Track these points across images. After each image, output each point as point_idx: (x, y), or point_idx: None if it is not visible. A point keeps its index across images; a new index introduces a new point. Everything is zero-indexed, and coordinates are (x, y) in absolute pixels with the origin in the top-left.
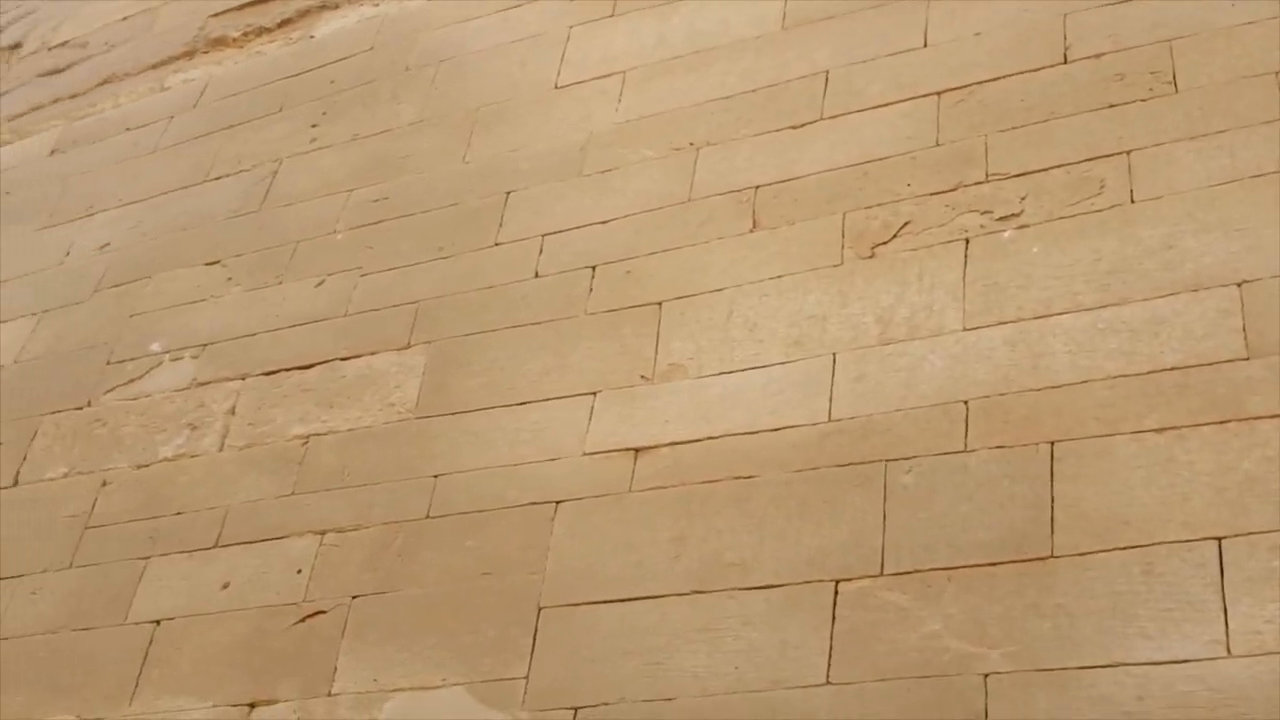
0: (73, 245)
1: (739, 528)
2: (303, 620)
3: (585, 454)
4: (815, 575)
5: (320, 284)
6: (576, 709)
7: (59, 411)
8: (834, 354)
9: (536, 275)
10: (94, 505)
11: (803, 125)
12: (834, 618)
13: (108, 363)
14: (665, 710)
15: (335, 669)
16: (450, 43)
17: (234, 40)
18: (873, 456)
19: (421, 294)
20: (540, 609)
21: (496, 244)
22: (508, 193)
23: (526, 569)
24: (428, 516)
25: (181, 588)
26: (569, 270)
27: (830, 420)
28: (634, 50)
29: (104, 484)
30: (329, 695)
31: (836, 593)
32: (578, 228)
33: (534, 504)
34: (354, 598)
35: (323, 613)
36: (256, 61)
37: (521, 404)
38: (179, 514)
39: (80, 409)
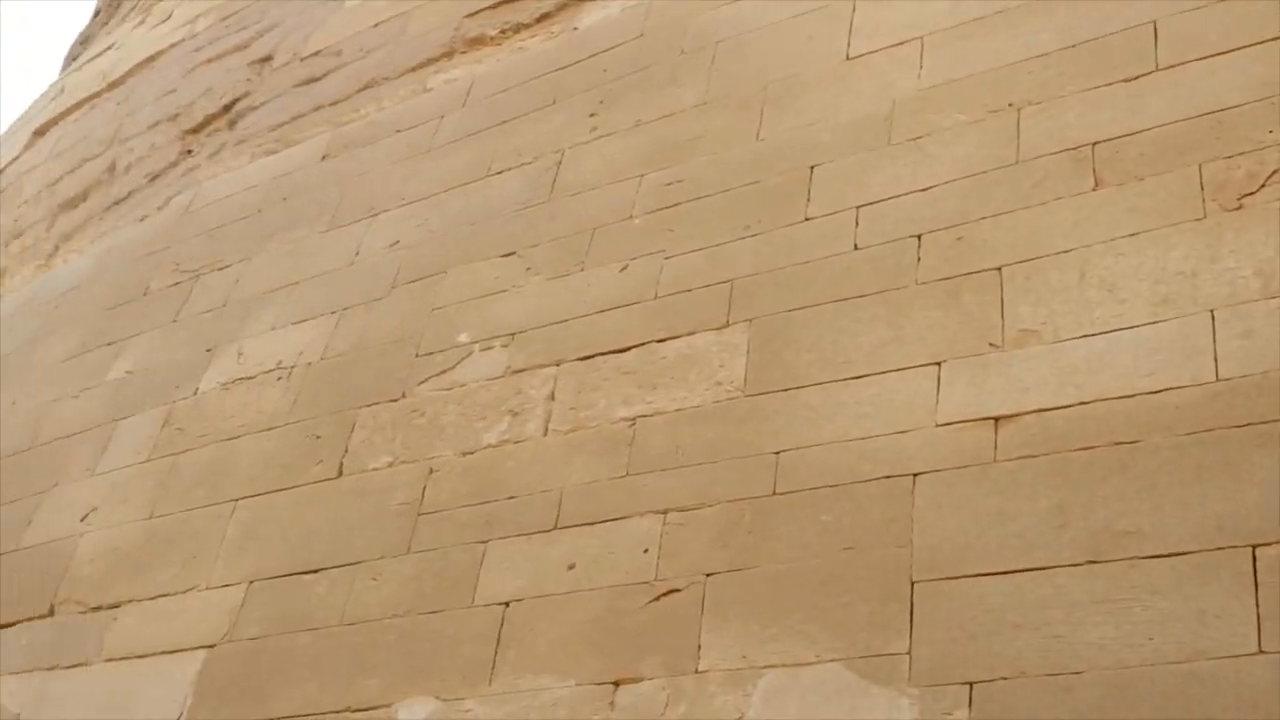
0: (361, 245)
1: (1128, 494)
2: (657, 599)
3: (939, 425)
4: (1228, 541)
5: (624, 269)
6: (971, 684)
7: (375, 404)
8: (1211, 311)
9: (856, 247)
10: (423, 493)
11: (1136, 78)
12: (1257, 584)
13: (416, 355)
14: (1074, 684)
15: (699, 646)
16: (725, 23)
17: (492, 39)
18: (1273, 415)
19: (733, 273)
20: (914, 583)
21: (807, 219)
22: (811, 167)
23: (892, 542)
24: (774, 493)
25: (526, 570)
26: (892, 240)
27: (1219, 380)
28: (928, 17)
29: (431, 472)
30: (696, 672)
31: (1254, 558)
32: (895, 197)
33: (889, 477)
34: (708, 575)
35: (677, 591)
36: (520, 57)
37: (858, 377)
38: (512, 498)
39: (396, 401)
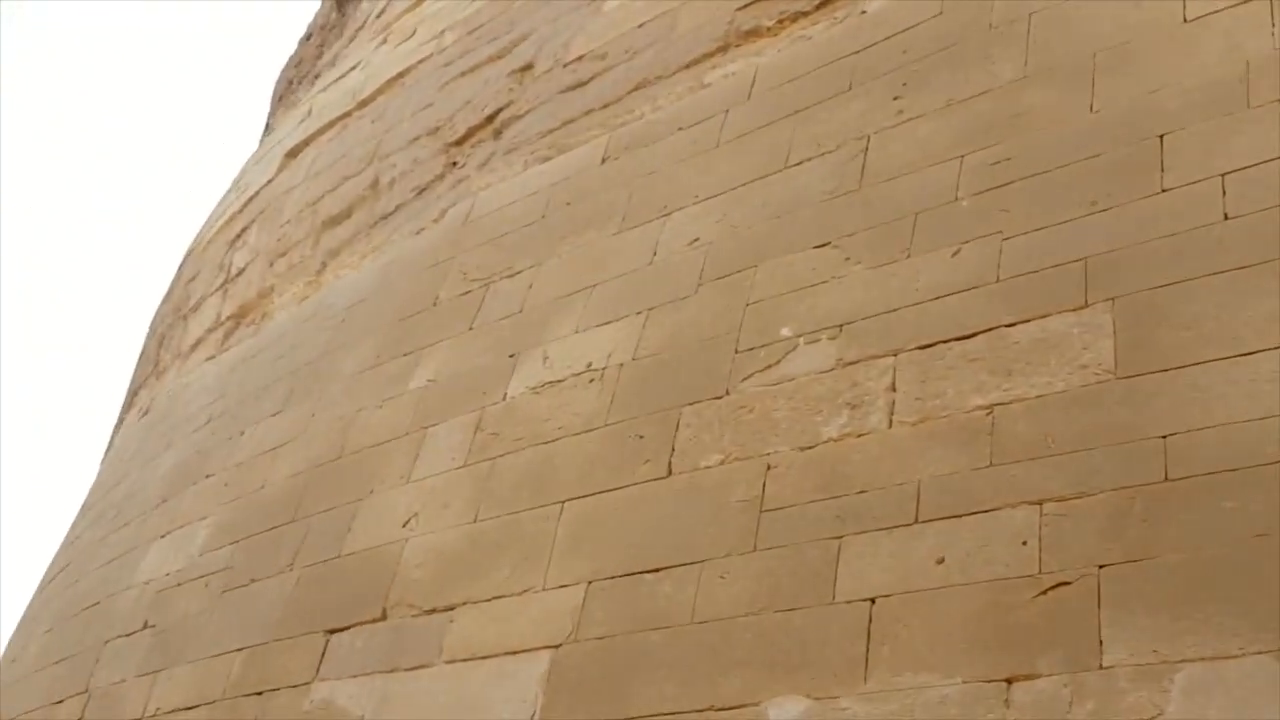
0: (658, 244)
1: None
2: (1044, 592)
3: None
4: None
5: (956, 253)
6: None
7: (697, 402)
8: None
9: (1226, 217)
10: (763, 489)
11: None
12: None
13: (736, 351)
14: None
15: (1100, 641)
16: None
17: (768, 29)
18: None
19: (1085, 250)
20: None
21: (1164, 190)
22: (1161, 136)
23: None
24: (1166, 480)
25: (890, 565)
26: (1269, 208)
27: None
28: None
29: (769, 468)
30: (1101, 668)
31: None
32: (1265, 162)
33: None
34: (1101, 567)
35: (1066, 584)
36: (804, 46)
37: (1251, 353)
38: (862, 492)
39: (719, 398)
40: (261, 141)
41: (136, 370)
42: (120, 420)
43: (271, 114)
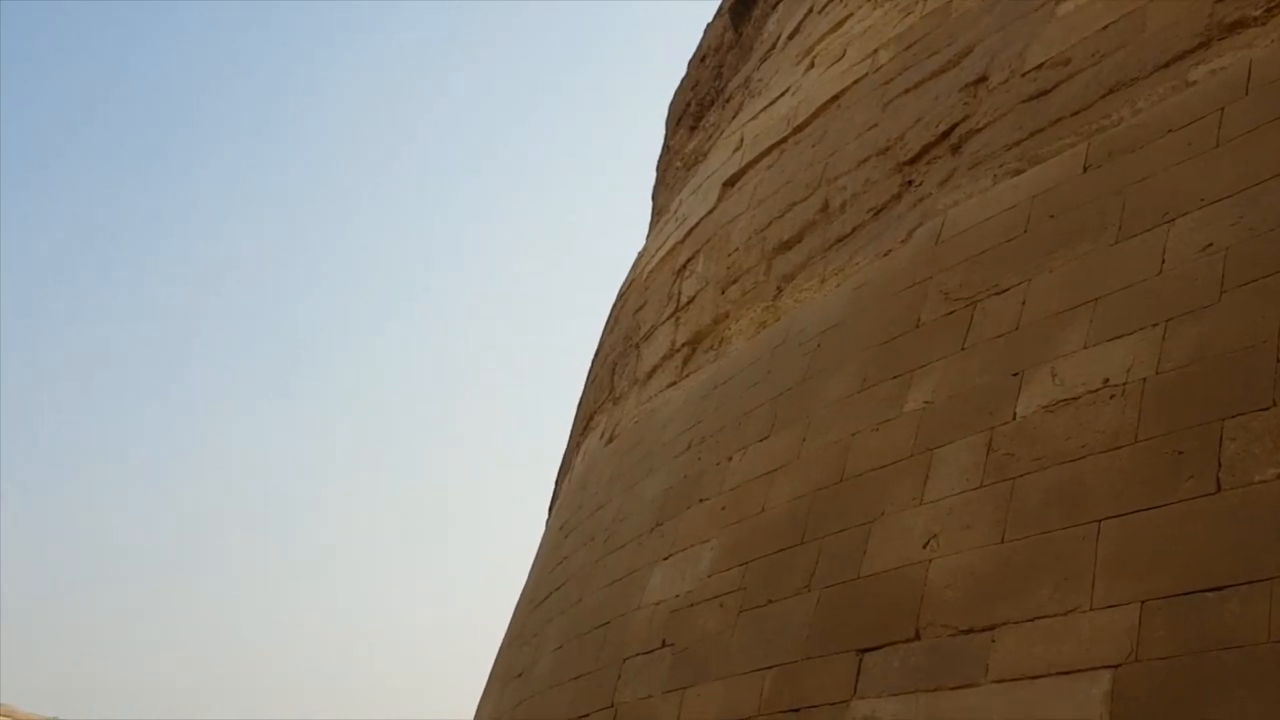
0: (1165, 252)
1: None
2: None
3: None
4: None
5: None
6: None
7: (1241, 414)
8: None
9: None
10: None
11: None
12: None
13: (1279, 360)
14: None
15: None
16: None
17: (1256, 20)
18: None
19: None
20: None
21: None
22: None
23: None
24: None
25: None
26: None
27: None
28: None
29: None
30: None
31: None
32: None
33: None
34: None
35: None
36: None
37: None
38: None
39: (1266, 409)
40: (658, 162)
41: (587, 395)
42: (576, 444)
43: (670, 135)
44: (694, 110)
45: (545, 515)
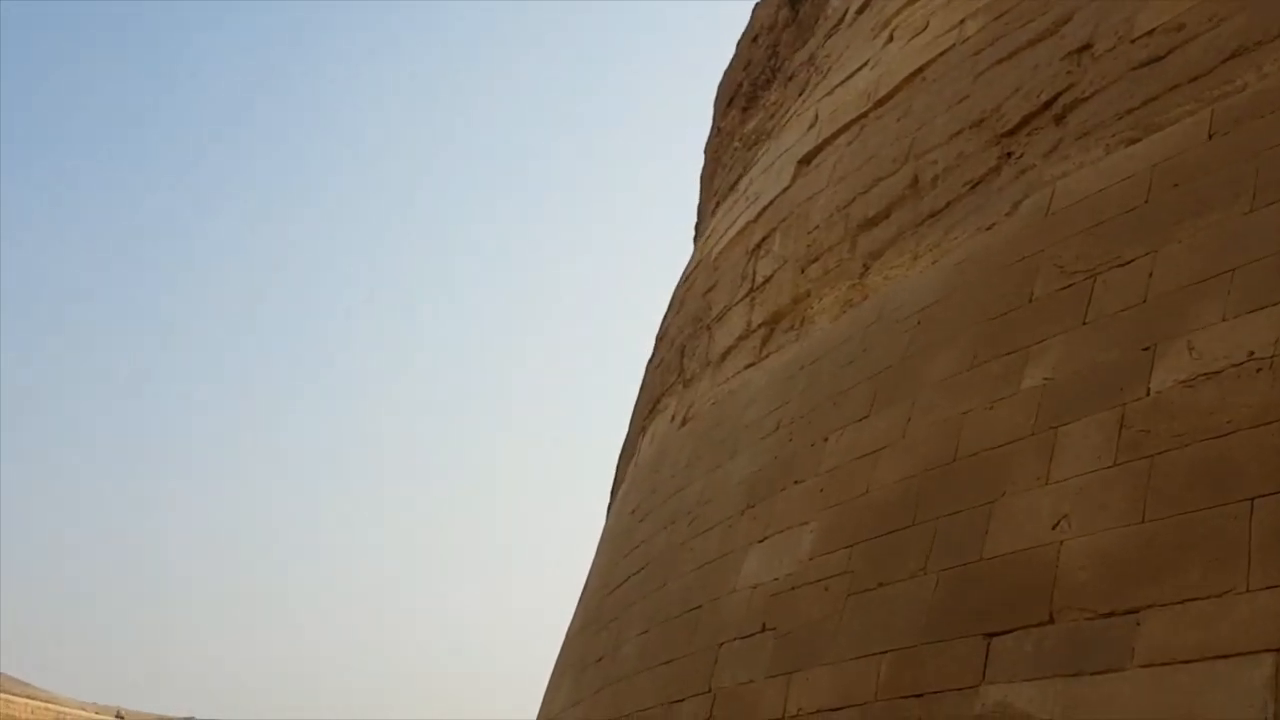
0: None
1: None
2: None
3: None
4: None
5: None
6: None
7: None
8: None
9: None
10: None
11: None
12: None
13: None
14: None
15: None
16: None
17: None
18: None
19: None
20: None
21: None
22: None
23: None
24: None
25: None
26: None
27: None
28: None
29: None
30: None
31: None
32: None
33: None
34: None
35: None
36: None
37: None
38: None
39: None
40: (707, 145)
41: (653, 379)
42: (641, 427)
43: (720, 116)
44: (746, 90)
45: (607, 500)
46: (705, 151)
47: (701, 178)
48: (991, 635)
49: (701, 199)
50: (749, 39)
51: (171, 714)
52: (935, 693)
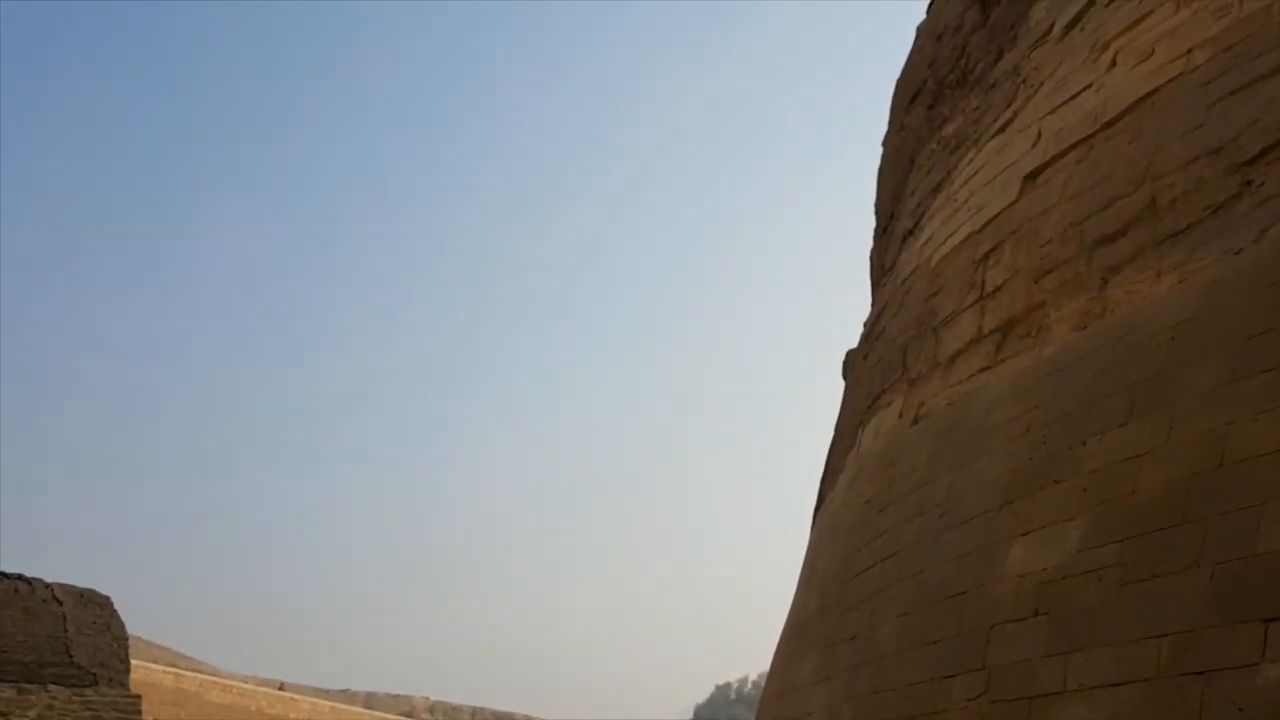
0: None
1: None
2: None
3: None
4: None
5: None
6: None
7: None
8: None
9: None
10: None
11: None
12: None
13: None
14: None
15: None
16: None
17: None
18: None
19: None
20: None
21: None
22: None
23: None
24: None
25: None
26: None
27: None
28: None
29: None
30: None
31: None
32: None
33: None
34: None
35: None
36: None
37: None
38: None
39: None
40: (885, 139)
41: (871, 376)
42: (860, 420)
43: (903, 112)
44: (932, 88)
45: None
46: (884, 144)
47: (880, 170)
48: (1269, 620)
49: (880, 191)
50: (932, 36)
51: (328, 687)
52: (1215, 670)
